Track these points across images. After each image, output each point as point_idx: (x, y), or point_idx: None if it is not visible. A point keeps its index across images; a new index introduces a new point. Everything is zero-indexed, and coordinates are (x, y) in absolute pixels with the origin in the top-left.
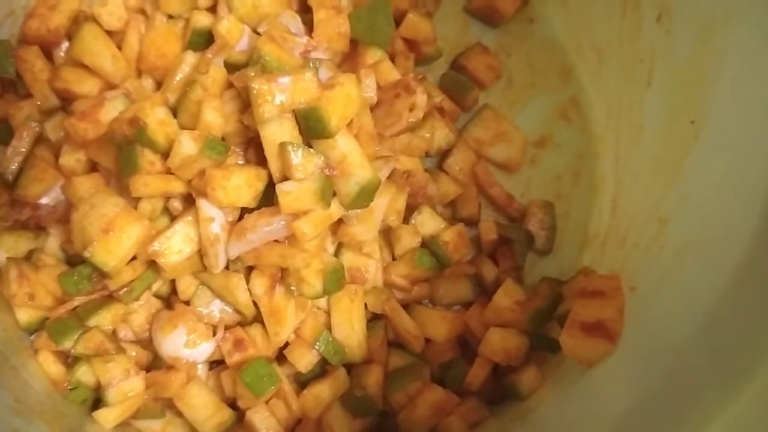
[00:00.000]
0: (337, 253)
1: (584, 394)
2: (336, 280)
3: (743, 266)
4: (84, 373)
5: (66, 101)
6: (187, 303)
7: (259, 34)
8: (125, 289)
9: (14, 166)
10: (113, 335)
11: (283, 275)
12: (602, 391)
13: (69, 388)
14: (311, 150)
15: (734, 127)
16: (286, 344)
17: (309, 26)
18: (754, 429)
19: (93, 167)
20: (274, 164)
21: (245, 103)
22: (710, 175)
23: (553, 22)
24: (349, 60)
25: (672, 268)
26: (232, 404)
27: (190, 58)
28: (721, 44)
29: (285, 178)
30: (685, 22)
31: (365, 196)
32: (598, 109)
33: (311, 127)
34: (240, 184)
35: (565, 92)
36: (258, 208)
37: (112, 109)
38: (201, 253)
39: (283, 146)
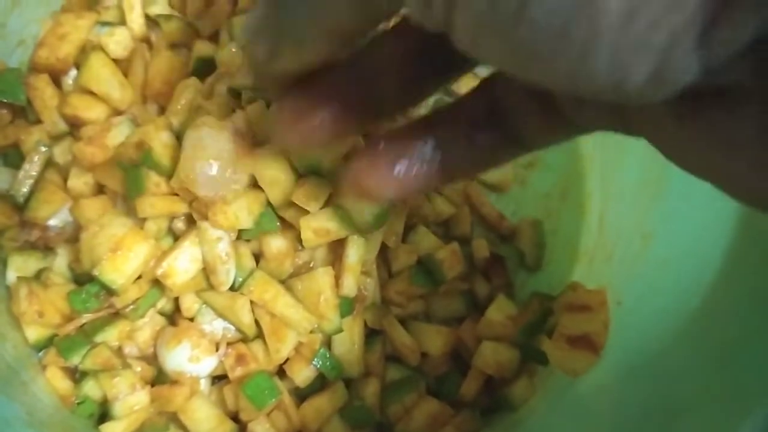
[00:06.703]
0: None
1: (573, 402)
2: (347, 305)
3: (718, 278)
4: (91, 388)
5: (74, 127)
6: (191, 320)
7: None
8: (131, 307)
9: (25, 189)
10: (119, 351)
11: None
12: (589, 398)
13: (77, 402)
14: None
15: None
16: (287, 359)
17: None
18: None
19: (100, 190)
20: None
21: None
22: (691, 192)
23: None
24: None
25: (654, 282)
26: (234, 417)
27: (194, 84)
28: None
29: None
30: None
31: (379, 223)
32: None
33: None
34: (242, 206)
35: None
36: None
37: (119, 134)
38: (205, 272)
39: None
